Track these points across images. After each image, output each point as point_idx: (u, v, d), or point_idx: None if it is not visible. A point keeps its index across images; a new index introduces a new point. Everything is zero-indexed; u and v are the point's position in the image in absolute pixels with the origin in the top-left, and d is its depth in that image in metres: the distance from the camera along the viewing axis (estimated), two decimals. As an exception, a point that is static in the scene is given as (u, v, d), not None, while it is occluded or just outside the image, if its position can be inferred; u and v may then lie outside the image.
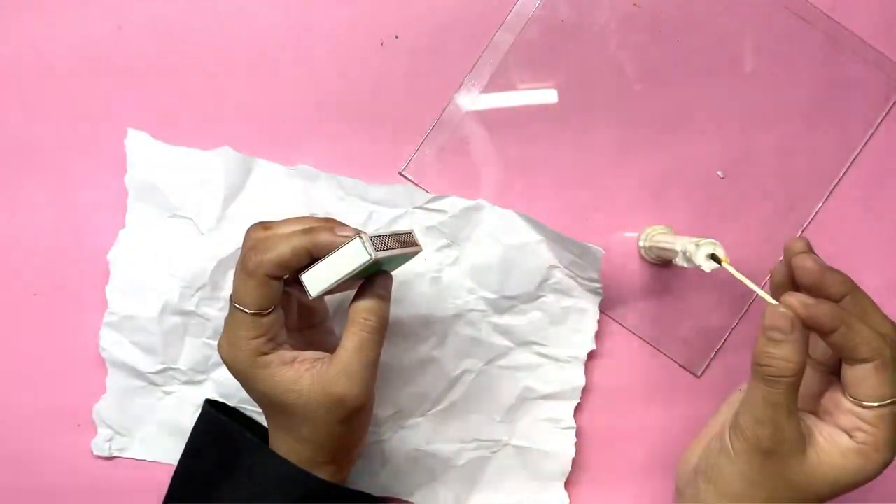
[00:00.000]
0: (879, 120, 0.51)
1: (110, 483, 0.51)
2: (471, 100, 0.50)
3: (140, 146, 0.48)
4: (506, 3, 0.49)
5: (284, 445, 0.40)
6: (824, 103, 0.50)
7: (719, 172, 0.50)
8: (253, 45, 0.49)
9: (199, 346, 0.49)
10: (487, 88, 0.50)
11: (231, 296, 0.39)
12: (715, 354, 0.51)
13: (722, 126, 0.50)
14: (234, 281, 0.39)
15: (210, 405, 0.45)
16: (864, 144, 0.51)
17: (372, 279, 0.40)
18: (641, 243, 0.50)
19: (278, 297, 0.39)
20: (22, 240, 0.49)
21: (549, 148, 0.50)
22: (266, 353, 0.39)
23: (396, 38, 0.49)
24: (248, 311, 0.38)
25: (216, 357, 0.49)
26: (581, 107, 0.50)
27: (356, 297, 0.40)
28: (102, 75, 0.49)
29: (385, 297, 0.40)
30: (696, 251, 0.42)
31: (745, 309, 0.51)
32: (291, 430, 0.40)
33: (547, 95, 0.50)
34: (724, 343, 0.51)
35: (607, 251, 0.49)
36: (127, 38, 0.49)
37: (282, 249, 0.37)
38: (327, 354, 0.39)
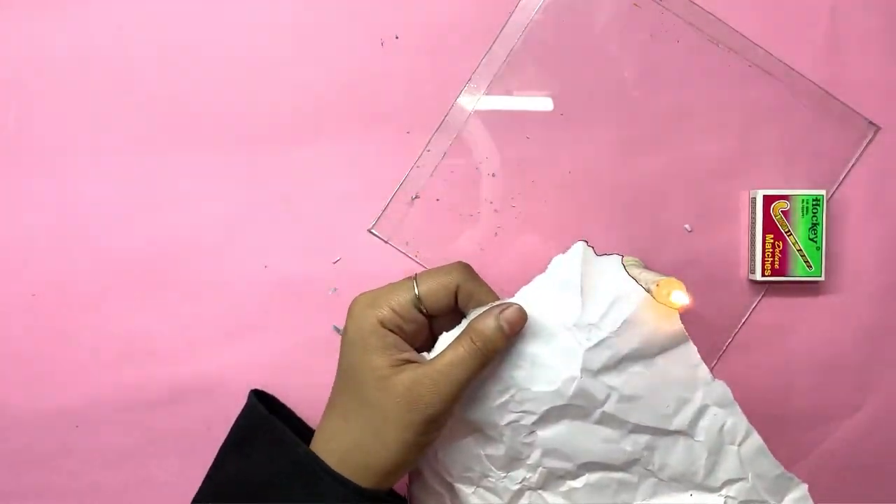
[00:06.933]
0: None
1: (110, 483, 0.51)
2: (473, 101, 0.49)
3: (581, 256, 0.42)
4: (507, 4, 0.49)
5: (338, 435, 0.39)
6: (827, 101, 0.50)
7: (686, 226, 0.50)
8: (252, 45, 0.49)
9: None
10: (489, 90, 0.49)
11: (419, 273, 0.41)
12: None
13: (722, 126, 0.50)
14: (436, 268, 0.41)
15: (257, 398, 0.44)
16: (866, 146, 0.50)
17: (505, 306, 0.39)
18: None
19: (442, 310, 0.40)
20: (22, 240, 0.50)
21: (549, 148, 0.50)
22: (390, 330, 0.39)
23: (396, 38, 0.49)
24: (416, 290, 0.40)
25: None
26: (582, 107, 0.50)
27: (481, 315, 0.39)
28: (102, 75, 0.49)
29: (504, 330, 0.39)
30: (656, 291, 0.41)
31: (726, 344, 0.51)
32: (356, 418, 0.39)
33: (548, 96, 0.50)
34: (713, 368, 0.51)
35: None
36: (127, 38, 0.49)
37: (481, 297, 0.41)
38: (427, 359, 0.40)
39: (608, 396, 0.41)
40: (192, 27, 0.49)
